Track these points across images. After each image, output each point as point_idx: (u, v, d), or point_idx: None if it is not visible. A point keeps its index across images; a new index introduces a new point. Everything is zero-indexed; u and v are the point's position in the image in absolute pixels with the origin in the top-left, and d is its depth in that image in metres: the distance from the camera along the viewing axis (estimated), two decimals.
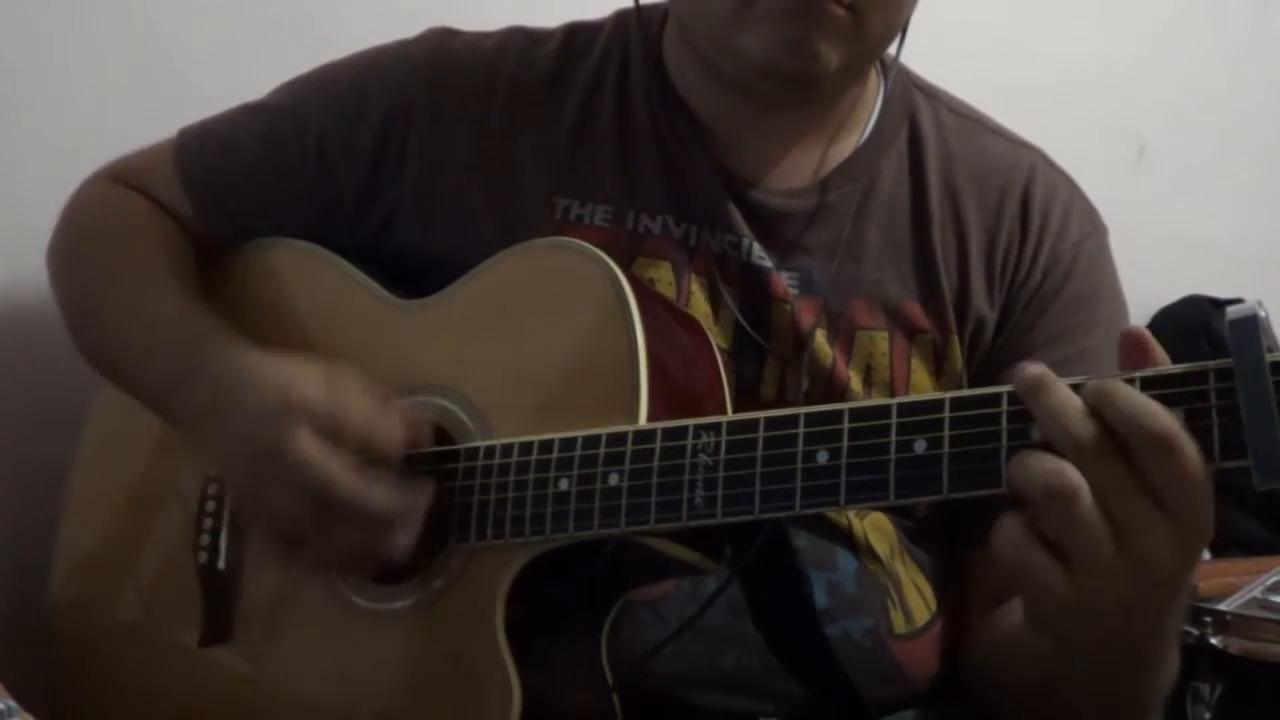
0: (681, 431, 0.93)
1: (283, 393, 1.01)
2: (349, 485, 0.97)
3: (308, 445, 0.98)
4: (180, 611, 1.16)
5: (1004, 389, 0.83)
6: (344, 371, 1.04)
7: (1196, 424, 0.78)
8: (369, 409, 1.01)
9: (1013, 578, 0.82)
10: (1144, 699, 0.98)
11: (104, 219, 1.26)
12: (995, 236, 1.15)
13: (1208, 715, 1.41)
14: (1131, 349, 0.80)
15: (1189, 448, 0.76)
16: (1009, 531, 0.80)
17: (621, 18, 1.21)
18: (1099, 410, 0.78)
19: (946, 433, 0.84)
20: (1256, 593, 1.46)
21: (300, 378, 1.02)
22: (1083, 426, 0.77)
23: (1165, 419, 0.76)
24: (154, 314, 1.15)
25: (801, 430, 0.89)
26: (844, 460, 0.87)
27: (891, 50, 1.16)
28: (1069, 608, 0.81)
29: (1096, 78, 1.94)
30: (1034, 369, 0.80)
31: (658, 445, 0.93)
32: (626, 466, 0.94)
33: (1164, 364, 0.80)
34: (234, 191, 1.24)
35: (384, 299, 1.15)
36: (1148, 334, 0.81)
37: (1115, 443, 0.77)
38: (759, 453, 0.90)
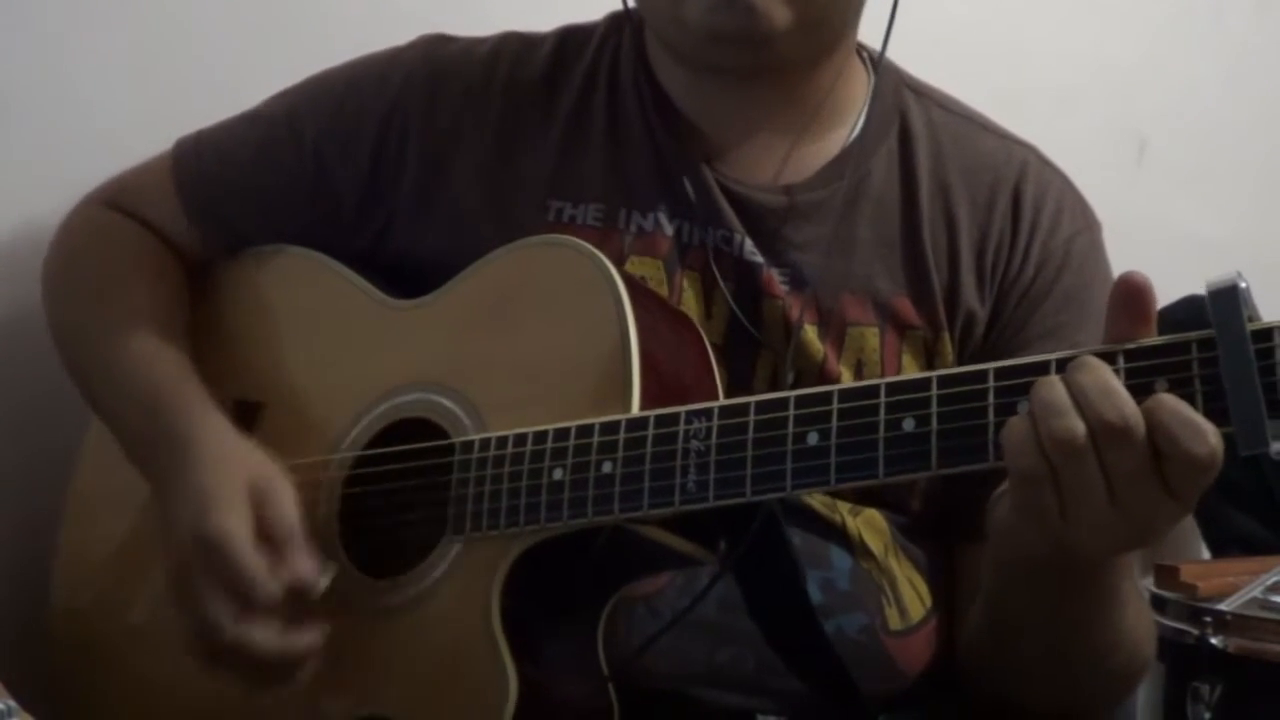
0: (674, 418, 0.94)
1: (199, 515, 1.03)
2: (232, 636, 1.01)
3: (206, 588, 1.02)
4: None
5: (990, 365, 0.84)
6: (275, 492, 1.05)
7: (1179, 393, 0.79)
8: (262, 566, 1.02)
9: (1011, 483, 0.83)
10: (1118, 636, 1.01)
11: (93, 254, 1.26)
12: (986, 233, 1.15)
13: (1207, 715, 1.41)
14: (1127, 299, 0.82)
15: (1218, 460, 0.78)
16: (1019, 432, 0.81)
17: (614, 20, 1.22)
18: (1150, 420, 0.78)
19: (934, 410, 0.85)
20: (1256, 593, 1.45)
21: (221, 496, 1.04)
22: (1120, 414, 0.78)
23: (1212, 440, 0.77)
24: (129, 370, 1.17)
25: (791, 412, 0.90)
26: (834, 440, 0.88)
27: (877, 46, 1.17)
28: (1053, 531, 0.83)
29: (1096, 78, 1.94)
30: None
31: (650, 432, 0.94)
32: (620, 454, 0.95)
33: (1154, 319, 0.81)
34: (231, 199, 1.25)
35: (380, 300, 1.16)
36: (1146, 284, 0.82)
37: (1149, 439, 0.79)
38: (750, 435, 0.91)
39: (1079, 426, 0.79)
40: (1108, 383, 0.79)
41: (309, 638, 1.03)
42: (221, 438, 1.10)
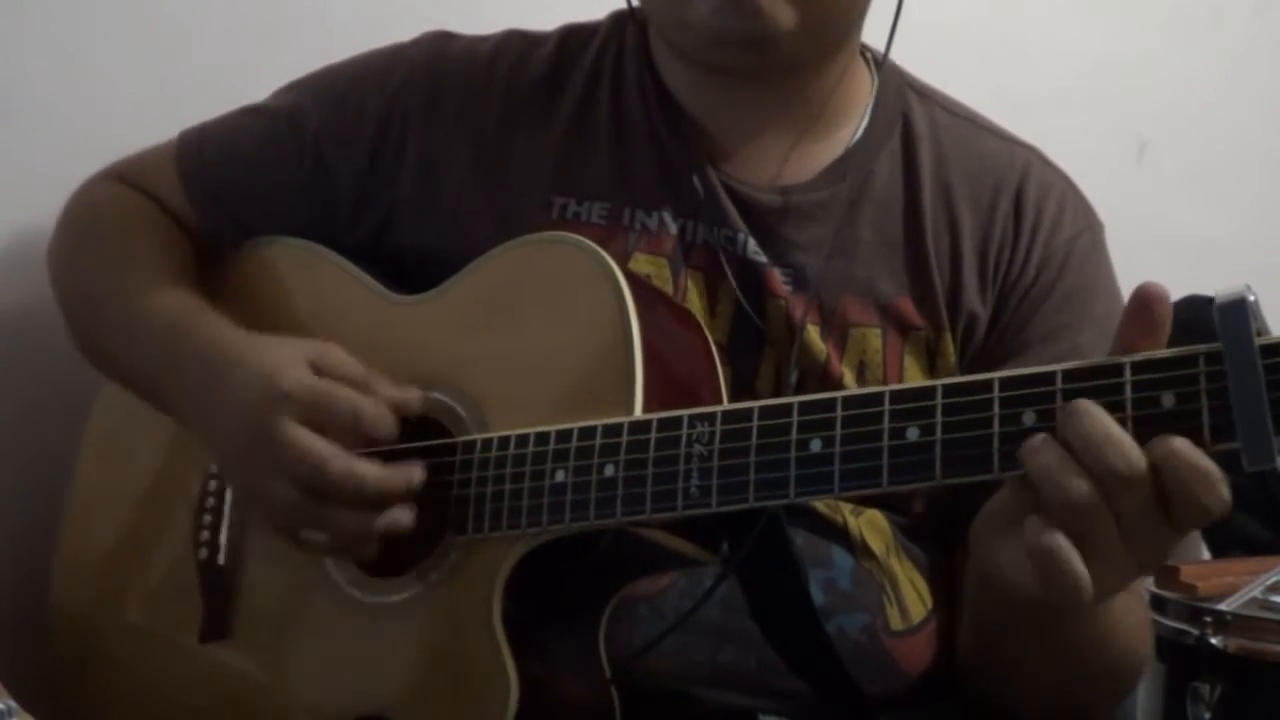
0: (676, 421, 0.93)
1: (269, 382, 1.03)
2: (341, 467, 0.99)
3: (297, 433, 1.00)
4: (181, 609, 1.17)
5: (995, 375, 0.84)
6: (329, 351, 1.06)
7: (1186, 407, 0.78)
8: (352, 394, 1.02)
9: (1036, 568, 0.81)
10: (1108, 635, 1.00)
11: (102, 215, 1.27)
12: (988, 234, 1.15)
13: (1207, 715, 1.41)
14: (1141, 308, 0.81)
15: (1228, 506, 0.78)
16: (1031, 516, 0.80)
17: (617, 19, 1.22)
18: (1157, 463, 0.78)
19: (939, 419, 0.84)
20: (1256, 593, 1.45)
21: (285, 364, 1.04)
22: (1127, 463, 0.78)
23: (1223, 491, 0.77)
24: (147, 304, 1.16)
25: (795, 419, 0.89)
26: (837, 448, 0.87)
27: (880, 47, 1.17)
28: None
29: (1096, 78, 1.94)
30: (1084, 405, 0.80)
31: (653, 435, 0.94)
32: (622, 457, 0.95)
33: (1166, 330, 0.81)
34: (233, 191, 1.25)
35: (381, 295, 1.16)
36: (1163, 295, 0.81)
37: (1155, 481, 0.78)
38: (753, 441, 0.90)
39: (1083, 487, 0.78)
40: (1108, 431, 0.78)
41: (412, 472, 1.02)
42: (254, 338, 1.09)
